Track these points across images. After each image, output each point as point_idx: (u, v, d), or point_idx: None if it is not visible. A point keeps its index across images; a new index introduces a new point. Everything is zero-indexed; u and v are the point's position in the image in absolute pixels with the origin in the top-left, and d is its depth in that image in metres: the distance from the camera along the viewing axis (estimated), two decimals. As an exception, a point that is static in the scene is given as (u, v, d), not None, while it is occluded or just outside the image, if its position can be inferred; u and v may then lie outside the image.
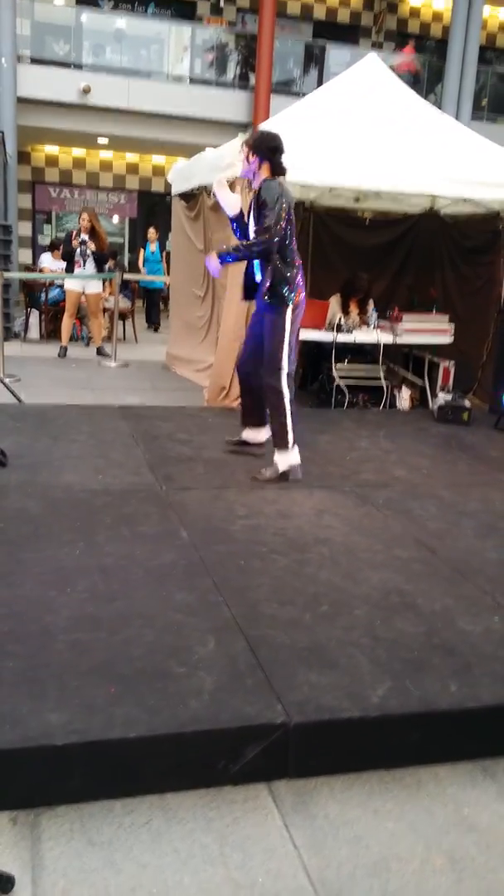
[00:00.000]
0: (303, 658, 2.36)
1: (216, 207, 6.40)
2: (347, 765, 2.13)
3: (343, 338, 6.18)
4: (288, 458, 4.21)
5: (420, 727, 2.18)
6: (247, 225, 4.31)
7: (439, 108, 12.00)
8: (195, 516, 3.52)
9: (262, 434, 4.59)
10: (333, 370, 6.25)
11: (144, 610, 2.58)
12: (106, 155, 15.51)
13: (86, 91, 12.28)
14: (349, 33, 15.87)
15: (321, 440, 5.10)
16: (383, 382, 6.40)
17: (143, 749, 1.95)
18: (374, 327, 6.46)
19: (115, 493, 3.76)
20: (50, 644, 2.32)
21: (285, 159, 4.16)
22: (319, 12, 15.81)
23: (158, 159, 15.57)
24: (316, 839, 1.89)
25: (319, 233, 7.62)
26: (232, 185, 5.87)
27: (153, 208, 15.57)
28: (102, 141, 14.36)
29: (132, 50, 13.60)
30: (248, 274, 4.39)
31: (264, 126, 6.57)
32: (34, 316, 10.05)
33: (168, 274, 10.10)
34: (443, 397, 6.06)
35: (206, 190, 6.80)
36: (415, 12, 16.33)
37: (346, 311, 6.58)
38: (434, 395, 6.32)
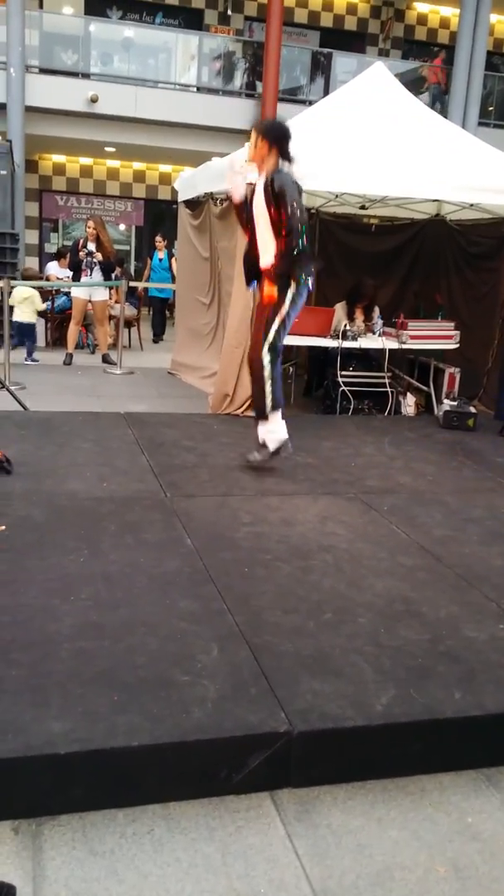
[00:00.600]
0: (306, 666, 2.36)
1: (222, 215, 6.44)
2: (351, 773, 2.12)
3: (348, 344, 6.18)
4: (276, 434, 4.37)
5: (424, 735, 2.17)
6: (251, 211, 4.32)
7: (446, 113, 12.08)
8: (199, 524, 3.52)
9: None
10: (339, 376, 6.25)
11: (148, 618, 2.58)
12: (113, 163, 15.59)
13: (93, 100, 12.36)
14: (356, 41, 15.92)
15: (326, 446, 5.10)
16: (388, 389, 6.40)
17: (146, 758, 1.95)
18: (379, 334, 6.47)
19: (119, 500, 3.76)
20: (53, 652, 2.32)
21: (293, 148, 4.19)
22: (326, 20, 15.87)
23: (165, 168, 15.65)
24: (319, 848, 1.89)
25: (325, 239, 7.64)
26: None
27: (160, 216, 15.63)
28: (110, 149, 14.44)
29: (140, 59, 13.68)
30: (249, 258, 4.41)
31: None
32: (40, 323, 10.08)
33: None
34: (448, 403, 6.05)
35: (212, 198, 6.83)
36: (422, 19, 16.37)
37: (351, 317, 6.58)
38: (439, 402, 6.31)
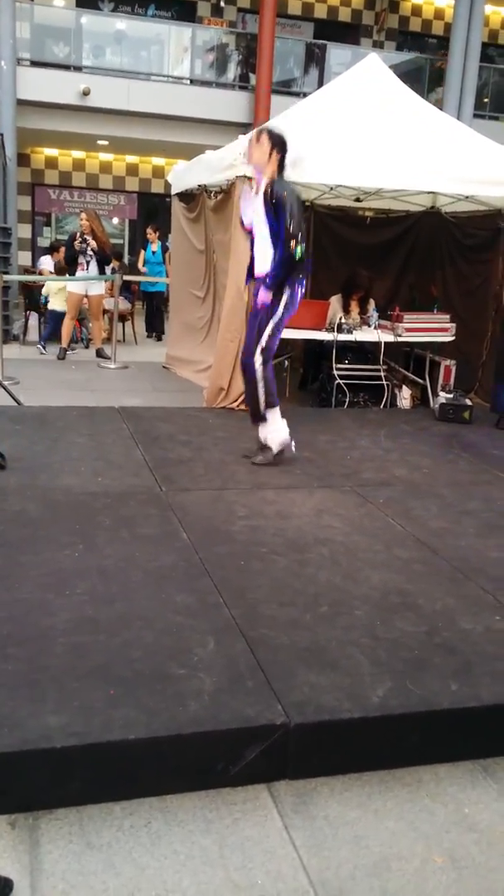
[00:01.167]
0: (303, 659, 2.36)
1: (217, 208, 6.41)
2: (347, 765, 2.13)
3: (344, 337, 6.17)
4: (276, 436, 4.41)
5: (420, 727, 2.17)
6: (251, 225, 4.40)
7: (441, 105, 12.03)
8: (195, 517, 3.52)
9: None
10: (334, 369, 6.24)
11: (144, 612, 2.58)
12: (106, 157, 15.51)
13: (86, 93, 12.28)
14: (350, 32, 15.85)
15: (322, 440, 5.10)
16: (384, 382, 6.40)
17: (143, 751, 1.95)
18: (374, 327, 6.46)
19: (114, 494, 3.75)
20: (49, 647, 2.32)
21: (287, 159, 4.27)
22: (320, 11, 15.79)
23: (158, 161, 15.58)
24: (316, 840, 1.89)
25: (320, 233, 7.62)
26: (232, 188, 5.88)
27: (153, 210, 15.57)
28: (102, 143, 14.36)
29: (132, 51, 13.60)
30: (251, 259, 4.48)
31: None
32: (33, 318, 10.05)
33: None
34: (444, 396, 6.05)
35: (206, 190, 6.80)
36: (416, 10, 16.31)
37: (346, 310, 6.57)
38: (435, 394, 6.31)
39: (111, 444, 4.68)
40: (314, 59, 14.31)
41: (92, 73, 12.83)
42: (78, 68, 12.92)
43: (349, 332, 6.23)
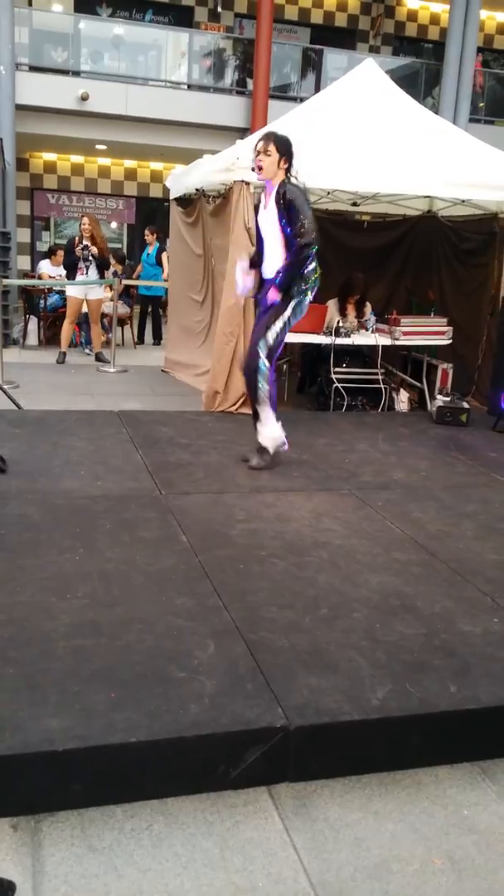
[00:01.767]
0: (302, 661, 2.37)
1: (215, 212, 6.44)
2: (347, 768, 2.14)
3: (341, 341, 6.19)
4: (271, 436, 4.42)
5: (420, 729, 2.18)
6: (261, 235, 4.44)
7: (437, 110, 12.08)
8: (195, 521, 3.53)
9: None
10: (332, 373, 6.26)
11: (144, 615, 2.59)
12: (104, 161, 15.54)
13: (84, 98, 12.31)
14: (346, 38, 15.90)
15: (320, 443, 5.11)
16: (382, 385, 6.42)
17: (144, 754, 1.96)
18: (372, 330, 6.48)
19: (114, 498, 3.76)
20: (50, 650, 2.33)
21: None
22: (317, 17, 15.84)
23: (156, 165, 15.61)
24: (316, 842, 1.90)
25: (317, 237, 7.63)
26: (230, 192, 5.90)
27: (151, 214, 15.59)
28: (101, 147, 14.39)
29: (130, 56, 13.62)
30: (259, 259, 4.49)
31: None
32: (33, 322, 10.06)
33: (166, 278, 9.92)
34: (441, 399, 6.07)
35: (204, 194, 6.83)
36: (412, 15, 16.35)
37: (343, 313, 6.59)
38: (432, 398, 6.33)
39: (111, 447, 4.69)
40: (311, 64, 14.35)
41: (90, 78, 12.86)
42: (76, 73, 12.95)
43: (347, 335, 6.25)
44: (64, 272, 9.22)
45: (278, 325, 4.31)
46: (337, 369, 6.29)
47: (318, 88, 12.52)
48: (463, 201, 6.67)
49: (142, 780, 1.97)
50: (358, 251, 7.54)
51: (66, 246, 9.02)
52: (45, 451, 4.50)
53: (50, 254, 10.75)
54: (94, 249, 8.38)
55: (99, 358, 8.74)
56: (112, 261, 9.49)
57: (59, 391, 6.91)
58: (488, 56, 16.27)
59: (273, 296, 4.28)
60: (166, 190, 8.25)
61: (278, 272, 4.27)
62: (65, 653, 2.32)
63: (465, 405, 6.03)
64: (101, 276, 8.62)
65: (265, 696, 2.16)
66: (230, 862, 1.81)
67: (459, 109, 13.37)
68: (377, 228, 7.92)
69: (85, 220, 8.61)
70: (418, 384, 6.69)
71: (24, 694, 2.08)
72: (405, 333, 6.36)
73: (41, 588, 2.74)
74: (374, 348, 6.37)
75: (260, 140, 4.28)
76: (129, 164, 15.69)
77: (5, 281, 8.72)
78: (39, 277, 10.62)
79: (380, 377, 6.42)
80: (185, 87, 13.73)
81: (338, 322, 6.29)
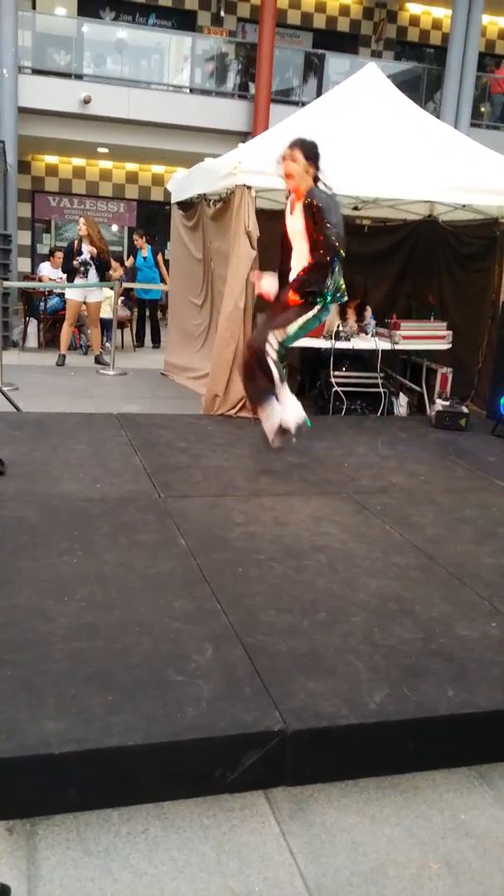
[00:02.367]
0: (300, 665, 2.37)
1: (216, 216, 6.44)
2: (345, 772, 2.13)
3: (341, 345, 6.20)
4: (292, 415, 4.36)
5: (417, 733, 2.18)
6: (289, 241, 4.37)
7: (439, 114, 12.10)
8: (193, 524, 3.53)
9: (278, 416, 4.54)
10: (332, 377, 6.26)
11: (142, 618, 2.59)
12: (106, 164, 15.56)
13: (86, 101, 12.33)
14: (349, 42, 15.93)
15: (319, 447, 5.11)
16: (381, 389, 6.42)
17: (141, 757, 1.95)
18: (372, 334, 6.48)
19: (113, 501, 3.76)
20: (48, 652, 2.33)
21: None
22: (319, 22, 15.87)
23: (158, 169, 15.63)
24: (313, 846, 1.89)
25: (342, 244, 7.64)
26: (231, 197, 5.91)
27: (152, 217, 15.61)
28: (102, 150, 14.42)
29: (133, 60, 13.65)
30: (282, 273, 4.43)
31: (264, 138, 6.61)
32: (32, 324, 10.07)
33: (166, 282, 9.90)
34: (440, 403, 6.07)
35: (205, 199, 6.83)
36: (414, 20, 16.40)
37: (343, 317, 6.60)
38: (432, 402, 6.34)
39: (110, 450, 4.69)
40: (313, 68, 14.38)
41: (93, 81, 12.89)
42: (79, 76, 12.98)
43: (346, 339, 6.25)
44: (64, 275, 9.24)
45: (298, 323, 4.25)
46: (336, 373, 6.29)
47: (319, 93, 12.53)
48: (464, 206, 6.68)
49: (138, 783, 1.97)
50: (358, 255, 7.52)
51: (65, 250, 9.02)
52: (43, 454, 4.50)
53: (50, 256, 10.76)
54: (93, 250, 8.38)
55: (98, 361, 8.75)
56: (115, 266, 9.48)
57: (58, 393, 6.92)
58: (490, 61, 16.30)
59: (291, 297, 4.22)
60: (167, 193, 8.26)
61: (300, 274, 4.21)
62: (62, 656, 2.31)
63: (465, 409, 6.03)
64: (102, 278, 8.62)
65: (263, 700, 2.16)
66: (226, 866, 1.81)
67: (461, 114, 13.40)
68: (378, 233, 7.93)
69: (81, 221, 8.62)
70: (417, 388, 6.70)
71: (20, 697, 2.08)
72: (405, 338, 6.36)
73: (39, 591, 2.74)
74: (373, 352, 6.38)
75: (286, 147, 4.20)
76: (131, 167, 15.72)
77: (5, 283, 8.72)
78: (40, 280, 10.63)
79: (379, 381, 6.42)
80: (188, 90, 13.76)
81: (338, 326, 6.30)
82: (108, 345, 8.83)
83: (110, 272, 9.00)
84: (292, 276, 4.31)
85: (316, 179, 4.20)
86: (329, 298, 4.23)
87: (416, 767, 2.18)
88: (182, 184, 7.56)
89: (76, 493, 3.86)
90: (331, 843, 1.91)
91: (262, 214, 5.77)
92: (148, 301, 10.67)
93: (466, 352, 6.94)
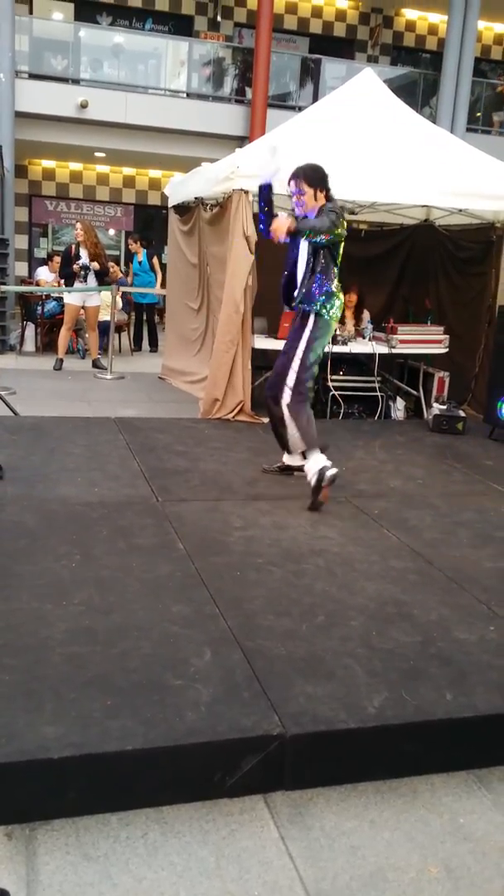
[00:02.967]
0: (299, 669, 2.37)
1: (213, 221, 6.46)
2: (344, 776, 2.13)
3: (338, 349, 6.21)
4: (313, 466, 4.02)
5: (416, 737, 2.18)
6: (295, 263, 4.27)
7: (434, 119, 12.14)
8: (191, 528, 3.53)
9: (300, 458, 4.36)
10: (329, 381, 6.27)
11: (141, 622, 2.59)
12: (103, 169, 15.58)
13: (83, 105, 12.35)
14: (345, 47, 15.99)
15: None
16: (378, 393, 6.43)
17: (140, 762, 1.95)
18: (369, 338, 6.50)
19: (111, 505, 3.76)
20: (46, 657, 2.33)
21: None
22: (316, 27, 15.93)
23: (155, 173, 15.66)
24: (312, 850, 1.89)
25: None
26: (228, 201, 5.92)
27: (149, 222, 15.63)
28: (100, 155, 14.44)
29: (130, 65, 13.68)
30: (289, 283, 4.32)
31: (261, 143, 6.63)
32: (30, 329, 10.07)
33: (163, 283, 9.90)
34: (437, 407, 6.09)
35: (202, 203, 6.85)
36: (410, 26, 16.46)
37: (340, 321, 6.60)
38: (429, 406, 6.35)
39: (108, 454, 4.69)
40: (309, 73, 14.43)
41: (90, 85, 12.91)
42: (76, 81, 13.00)
43: (344, 343, 6.26)
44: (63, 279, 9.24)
45: (298, 357, 4.11)
46: (334, 377, 6.30)
47: (316, 98, 12.57)
48: (460, 210, 6.70)
49: (137, 788, 1.97)
50: (355, 260, 7.55)
51: (63, 254, 9.02)
52: (41, 458, 4.50)
53: (48, 260, 10.76)
54: (95, 264, 8.37)
55: (96, 364, 8.75)
56: (112, 266, 9.46)
57: (55, 398, 6.91)
58: (486, 66, 16.37)
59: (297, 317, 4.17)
60: (164, 197, 8.28)
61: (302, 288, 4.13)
62: (60, 660, 2.31)
63: (462, 413, 6.05)
64: (100, 282, 8.62)
65: (261, 704, 2.16)
66: (226, 870, 1.80)
67: (457, 119, 13.45)
68: (375, 237, 7.95)
69: (78, 226, 8.62)
70: (415, 392, 6.71)
71: (19, 701, 2.08)
72: (402, 342, 6.37)
73: (37, 595, 2.74)
74: (370, 356, 6.39)
75: (290, 180, 4.15)
76: (128, 171, 15.74)
77: (3, 287, 8.72)
78: (37, 284, 10.64)
79: (376, 385, 6.43)
80: (185, 95, 13.79)
81: (335, 330, 6.30)
82: (99, 354, 8.82)
83: (110, 274, 8.98)
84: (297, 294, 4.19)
85: (329, 199, 4.16)
86: (325, 315, 4.13)
87: (415, 771, 2.18)
88: (179, 188, 7.58)
89: (74, 497, 3.86)
90: (330, 847, 1.91)
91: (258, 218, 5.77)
92: (145, 305, 10.66)
93: (464, 356, 6.96)
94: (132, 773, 1.96)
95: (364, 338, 6.53)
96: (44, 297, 9.83)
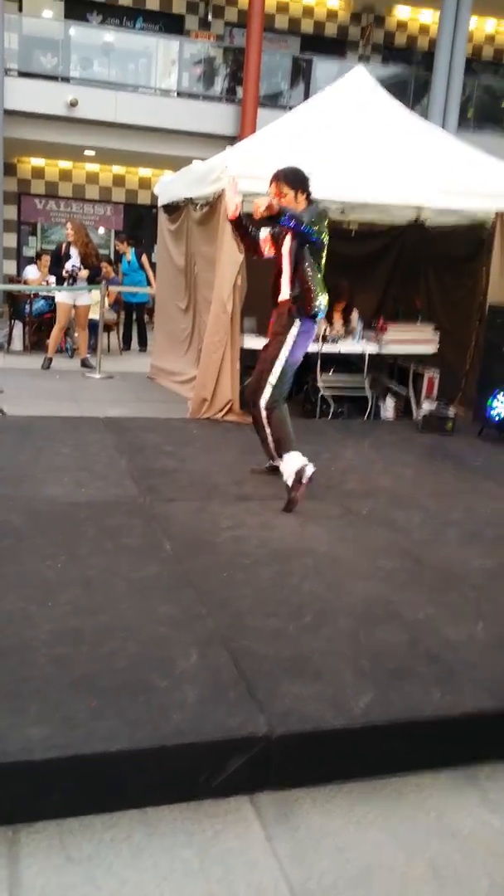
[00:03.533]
0: (286, 669, 2.36)
1: (202, 221, 6.44)
2: (330, 775, 2.12)
3: (328, 348, 6.21)
4: (290, 467, 3.97)
5: (403, 736, 2.18)
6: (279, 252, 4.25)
7: (426, 118, 12.15)
8: (179, 528, 3.52)
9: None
10: (318, 380, 6.27)
11: (127, 623, 2.57)
12: (92, 167, 15.55)
13: (73, 104, 12.32)
14: (336, 47, 16.01)
15: (305, 450, 5.03)
16: (368, 392, 6.43)
17: (125, 763, 1.94)
18: (359, 338, 6.50)
19: (98, 505, 3.75)
20: (31, 658, 2.31)
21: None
22: (307, 26, 15.95)
23: (145, 172, 15.63)
24: (298, 851, 1.88)
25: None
26: (217, 201, 5.91)
27: (139, 220, 15.60)
28: (89, 153, 14.40)
29: (120, 63, 13.67)
30: (275, 284, 4.32)
31: (251, 142, 6.62)
32: (18, 327, 10.03)
33: (152, 283, 9.87)
34: (427, 407, 6.09)
35: (191, 203, 6.83)
36: (402, 25, 16.50)
37: (330, 321, 6.61)
38: (419, 405, 6.36)
39: (95, 454, 4.67)
40: (301, 72, 14.44)
41: (79, 84, 12.88)
42: (66, 79, 12.97)
43: (334, 342, 6.26)
44: (49, 278, 9.21)
45: (278, 368, 4.10)
46: (323, 377, 6.30)
47: (307, 97, 12.54)
48: (452, 210, 6.71)
49: (122, 789, 1.95)
50: (345, 259, 7.54)
51: (53, 253, 8.99)
52: (28, 457, 4.47)
53: (37, 259, 10.72)
54: (84, 272, 8.34)
55: (84, 364, 8.72)
56: (104, 266, 9.41)
57: (43, 397, 6.88)
58: (477, 65, 16.41)
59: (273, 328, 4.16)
60: (154, 196, 8.25)
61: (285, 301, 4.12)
62: (46, 661, 2.29)
63: (451, 413, 6.06)
64: (91, 281, 8.59)
65: (248, 704, 2.15)
66: (210, 872, 1.79)
67: (448, 118, 13.49)
68: (365, 236, 7.95)
69: (69, 226, 8.59)
70: (404, 391, 6.71)
71: (3, 703, 2.06)
72: (392, 341, 6.38)
73: (22, 595, 2.72)
74: (360, 356, 6.39)
75: (270, 184, 4.12)
76: (118, 170, 15.71)
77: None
78: (25, 283, 10.59)
79: (366, 385, 6.43)
80: (175, 94, 13.78)
81: (325, 330, 6.31)
82: (88, 354, 8.78)
83: (103, 273, 8.93)
84: (281, 296, 4.20)
85: (310, 201, 4.13)
86: (308, 317, 4.13)
87: (402, 770, 2.17)
88: (169, 187, 7.56)
89: (61, 496, 3.83)
90: (316, 847, 1.90)
91: (248, 218, 5.76)
92: (135, 304, 10.63)
93: (454, 354, 6.97)
94: (117, 774, 1.94)
95: (354, 337, 6.53)
96: (32, 295, 9.79)
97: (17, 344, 9.90)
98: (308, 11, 15.88)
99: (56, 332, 8.68)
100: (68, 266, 8.36)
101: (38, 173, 15.36)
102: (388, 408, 6.53)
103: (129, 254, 10.42)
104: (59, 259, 8.54)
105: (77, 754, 1.90)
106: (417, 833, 1.97)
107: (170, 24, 15.23)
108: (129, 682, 2.21)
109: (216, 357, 5.83)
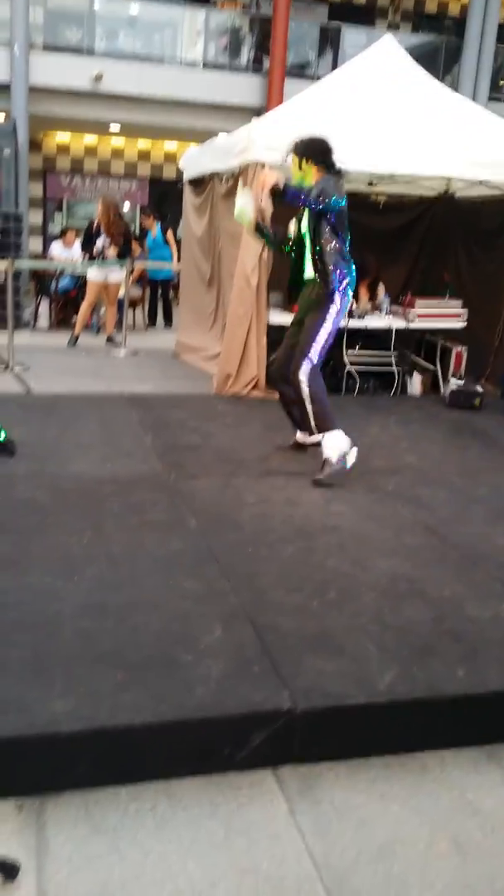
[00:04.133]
0: (310, 645, 2.36)
1: (228, 195, 6.36)
2: (353, 750, 2.13)
3: (355, 324, 6.14)
4: (334, 446, 3.95)
5: (426, 713, 2.18)
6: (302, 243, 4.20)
7: (456, 88, 11.86)
8: (203, 504, 3.52)
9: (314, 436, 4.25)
10: (345, 356, 6.21)
11: (152, 598, 2.59)
12: (118, 142, 15.44)
13: (98, 78, 12.21)
14: (365, 15, 15.62)
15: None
16: (395, 368, 6.36)
17: (150, 736, 1.96)
18: (386, 313, 6.41)
19: (123, 481, 3.76)
20: (57, 632, 2.34)
21: (336, 156, 4.05)
22: (334, -7, 15.59)
23: (170, 146, 15.49)
24: (321, 824, 1.90)
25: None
26: (243, 174, 5.83)
27: (164, 195, 15.50)
28: (114, 128, 14.30)
29: (145, 35, 13.50)
30: (294, 274, 4.27)
31: (277, 114, 6.51)
32: (44, 304, 10.04)
33: (179, 258, 9.79)
34: (455, 383, 6.01)
35: (217, 176, 6.75)
36: (432, -9, 16.07)
37: (356, 296, 6.52)
38: (446, 381, 6.27)
39: (120, 431, 4.69)
40: (329, 41, 14.14)
41: (104, 57, 12.75)
42: (90, 53, 12.84)
43: (360, 318, 6.19)
44: (75, 255, 9.19)
45: (316, 343, 4.04)
46: (350, 352, 6.23)
47: (335, 67, 12.28)
48: (481, 182, 6.55)
49: (146, 761, 1.98)
50: (374, 232, 7.43)
51: (85, 230, 8.97)
52: (54, 435, 4.50)
53: (62, 235, 10.70)
54: (111, 250, 8.31)
55: (110, 341, 8.73)
56: (134, 244, 9.34)
57: (69, 374, 6.90)
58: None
59: (311, 299, 4.11)
60: (180, 171, 8.17)
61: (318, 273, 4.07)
62: (72, 635, 2.32)
63: (479, 389, 5.97)
64: (122, 257, 8.53)
65: (272, 679, 2.16)
66: (234, 844, 1.81)
67: (479, 87, 13.15)
68: (393, 209, 7.81)
69: (98, 203, 8.55)
70: (432, 367, 6.63)
71: (30, 676, 2.09)
72: (420, 316, 6.29)
73: (48, 571, 2.75)
74: (387, 331, 6.31)
75: (287, 154, 4.05)
76: (143, 144, 15.59)
77: (17, 263, 8.68)
78: (51, 260, 10.58)
79: (393, 360, 6.36)
80: (201, 65, 13.58)
81: (351, 304, 6.23)
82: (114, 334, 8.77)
83: (132, 252, 8.85)
84: (307, 275, 4.15)
85: (330, 173, 4.00)
86: (340, 292, 4.06)
87: (425, 746, 2.17)
88: (195, 160, 7.47)
89: (86, 473, 3.86)
90: (338, 821, 1.91)
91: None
92: (160, 280, 10.57)
93: (483, 329, 6.84)
94: (141, 747, 1.97)
95: (381, 312, 6.45)
96: (57, 272, 9.79)
97: (44, 321, 9.94)
98: (336, -22, 15.52)
99: (85, 308, 8.67)
100: (99, 244, 8.34)
101: (64, 149, 15.30)
102: (415, 383, 6.46)
103: (155, 229, 10.32)
104: (90, 237, 8.52)
105: (102, 727, 1.92)
106: (440, 809, 1.97)
107: (195, -7, 14.99)
108: (154, 657, 2.23)
109: (241, 332, 5.79)
